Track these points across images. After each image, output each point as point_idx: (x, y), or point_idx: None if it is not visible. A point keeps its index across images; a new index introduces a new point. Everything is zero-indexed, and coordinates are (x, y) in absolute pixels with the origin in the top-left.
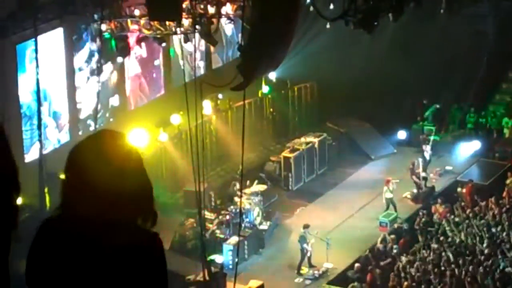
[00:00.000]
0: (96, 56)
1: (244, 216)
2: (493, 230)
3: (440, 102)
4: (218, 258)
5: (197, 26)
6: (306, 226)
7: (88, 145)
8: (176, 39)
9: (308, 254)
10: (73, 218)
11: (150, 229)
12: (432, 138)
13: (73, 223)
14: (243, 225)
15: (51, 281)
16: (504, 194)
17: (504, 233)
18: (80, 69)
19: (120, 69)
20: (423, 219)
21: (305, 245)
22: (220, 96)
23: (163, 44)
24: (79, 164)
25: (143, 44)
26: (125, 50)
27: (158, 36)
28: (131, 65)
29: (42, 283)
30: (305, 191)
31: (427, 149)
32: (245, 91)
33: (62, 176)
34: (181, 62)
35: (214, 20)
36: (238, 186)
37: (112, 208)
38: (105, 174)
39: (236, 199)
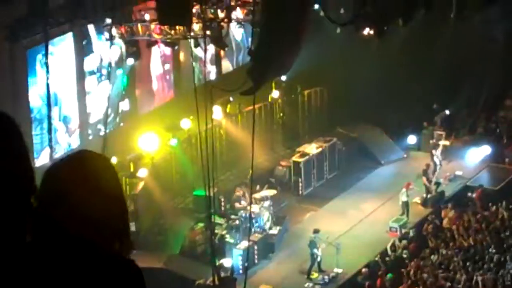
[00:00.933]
0: (107, 60)
1: (254, 221)
2: (502, 235)
3: (451, 108)
4: (226, 262)
5: (207, 31)
6: (316, 231)
7: (64, 168)
8: (186, 44)
9: (318, 259)
10: (45, 245)
11: (126, 255)
12: (442, 143)
13: (45, 250)
14: (253, 230)
15: None
16: None
17: None
18: (90, 73)
19: (131, 73)
20: (432, 224)
21: (315, 250)
22: (231, 99)
23: (176, 47)
24: (54, 187)
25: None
26: (136, 55)
27: (168, 40)
28: (156, 63)
29: None
30: (315, 196)
31: (437, 154)
32: (255, 95)
33: (35, 200)
34: (191, 66)
35: (224, 24)
36: (241, 193)
37: (88, 234)
38: (81, 198)
39: (237, 205)
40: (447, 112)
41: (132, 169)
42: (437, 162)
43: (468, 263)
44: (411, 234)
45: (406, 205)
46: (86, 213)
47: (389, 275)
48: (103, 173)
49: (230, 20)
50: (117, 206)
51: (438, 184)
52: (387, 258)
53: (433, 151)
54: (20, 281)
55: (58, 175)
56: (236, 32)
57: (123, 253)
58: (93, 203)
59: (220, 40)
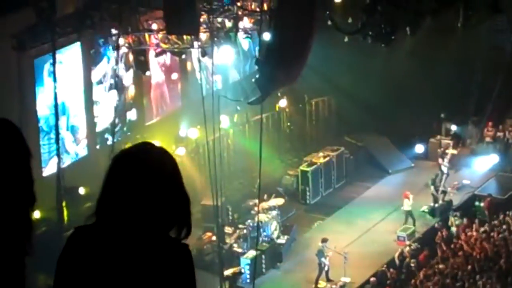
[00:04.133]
0: (114, 70)
1: (261, 230)
2: (510, 244)
3: (457, 117)
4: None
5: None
6: (324, 240)
7: (128, 155)
8: (194, 53)
9: (326, 268)
10: (107, 226)
11: (183, 240)
12: (449, 152)
13: (106, 231)
14: (260, 239)
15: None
16: None
17: None
18: (98, 83)
19: (138, 83)
20: (440, 233)
21: (323, 259)
22: (238, 108)
23: (183, 56)
24: (118, 172)
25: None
26: (144, 65)
27: (176, 50)
28: (163, 73)
29: None
30: (323, 205)
31: (445, 163)
32: (262, 105)
33: (102, 183)
34: (198, 75)
35: (231, 34)
36: (255, 201)
37: (147, 218)
38: (142, 185)
39: (253, 213)
40: (454, 127)
41: None
42: (445, 171)
43: (476, 272)
44: (419, 243)
45: (409, 214)
46: (144, 200)
47: None
48: (162, 163)
49: (237, 29)
50: (174, 194)
51: (444, 192)
52: (394, 268)
53: (441, 160)
54: (76, 263)
55: (125, 163)
56: (243, 42)
57: (180, 238)
58: (151, 191)
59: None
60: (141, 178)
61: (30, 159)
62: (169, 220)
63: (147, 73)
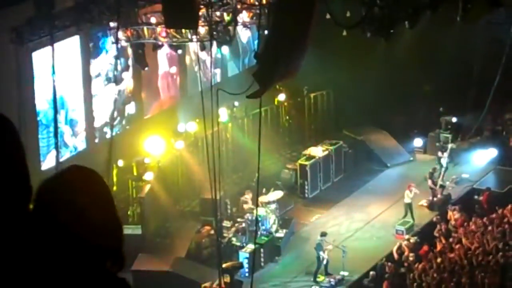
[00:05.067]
0: (113, 63)
1: (260, 224)
2: (508, 238)
3: (456, 111)
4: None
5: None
6: (323, 234)
7: (54, 183)
8: (192, 47)
9: (325, 262)
10: (37, 267)
11: (117, 272)
12: (448, 146)
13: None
14: (259, 232)
15: None
16: None
17: None
18: (96, 77)
19: (137, 77)
20: (439, 227)
21: (321, 253)
22: (236, 103)
23: (179, 51)
24: (45, 202)
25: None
26: (142, 59)
27: (174, 44)
28: (162, 66)
29: None
30: (321, 198)
31: (444, 157)
32: (261, 99)
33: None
34: (196, 69)
35: (230, 27)
36: (248, 196)
37: (79, 250)
38: (71, 213)
39: (246, 207)
40: (454, 119)
41: (138, 172)
42: (444, 165)
43: (474, 266)
44: (417, 237)
45: (408, 207)
46: (77, 230)
47: None
48: (91, 190)
49: (236, 23)
50: (109, 224)
51: (443, 187)
52: (392, 261)
53: (440, 154)
54: None
55: (46, 192)
56: (242, 35)
57: (114, 270)
58: (84, 221)
59: (229, 43)
60: (67, 206)
61: (23, 152)
62: (101, 250)
63: (146, 69)
